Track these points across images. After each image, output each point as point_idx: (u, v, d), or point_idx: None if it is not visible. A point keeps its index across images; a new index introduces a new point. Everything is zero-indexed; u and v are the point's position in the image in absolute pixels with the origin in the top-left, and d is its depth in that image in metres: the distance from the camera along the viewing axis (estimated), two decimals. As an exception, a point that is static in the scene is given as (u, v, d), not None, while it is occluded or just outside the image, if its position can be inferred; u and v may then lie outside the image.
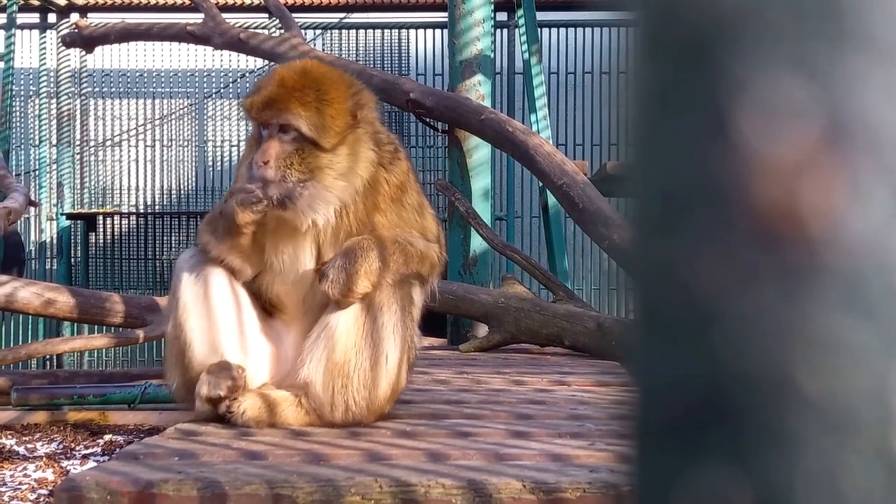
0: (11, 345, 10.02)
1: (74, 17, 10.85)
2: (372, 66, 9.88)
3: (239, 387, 3.08)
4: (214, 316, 3.14)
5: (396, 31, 11.17)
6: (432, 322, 5.58)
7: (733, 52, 0.46)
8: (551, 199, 7.94)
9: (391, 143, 3.31)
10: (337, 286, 3.00)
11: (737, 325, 0.46)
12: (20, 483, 5.82)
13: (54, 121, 11.23)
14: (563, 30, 11.05)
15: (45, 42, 11.30)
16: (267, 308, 3.27)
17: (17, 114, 11.17)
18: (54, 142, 11.21)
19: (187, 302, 3.13)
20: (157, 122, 11.41)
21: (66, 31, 8.75)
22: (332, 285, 3.00)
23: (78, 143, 11.29)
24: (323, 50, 9.82)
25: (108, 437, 7.31)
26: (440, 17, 9.87)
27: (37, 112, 11.33)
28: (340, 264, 3.01)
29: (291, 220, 3.09)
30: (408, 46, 11.18)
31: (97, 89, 11.43)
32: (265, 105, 3.07)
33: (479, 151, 7.05)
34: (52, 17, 11.34)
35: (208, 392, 3.06)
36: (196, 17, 7.51)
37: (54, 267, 11.16)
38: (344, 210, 3.13)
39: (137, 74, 11.36)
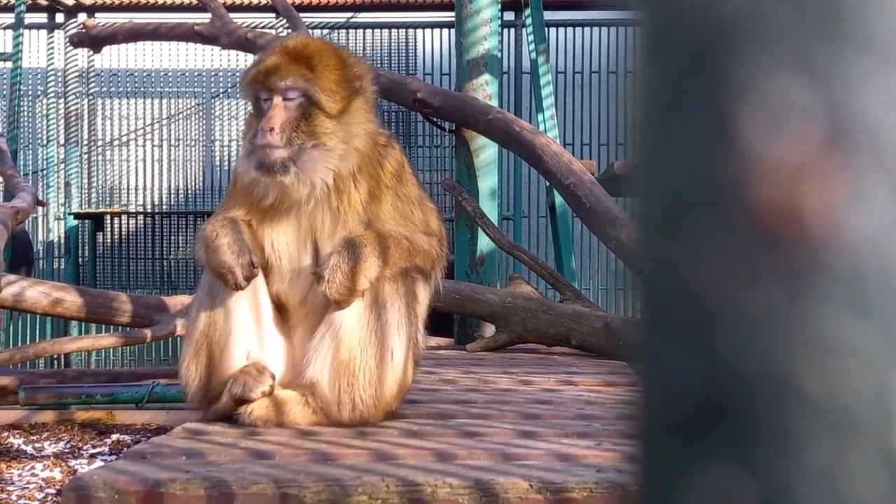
0: (19, 344, 10.04)
1: (82, 16, 10.87)
2: (379, 65, 9.88)
3: (270, 393, 3.08)
4: (251, 319, 3.13)
5: (404, 30, 11.17)
6: (439, 322, 5.58)
7: (735, 54, 0.47)
8: (558, 199, 7.94)
9: (384, 131, 3.34)
10: (334, 286, 2.98)
11: (739, 326, 0.47)
12: (28, 482, 5.83)
13: (62, 120, 11.25)
14: (570, 29, 11.05)
15: (52, 42, 11.33)
16: (276, 305, 3.26)
17: (25, 113, 11.19)
18: (62, 141, 11.24)
19: (227, 303, 3.11)
20: (164, 122, 11.43)
21: (74, 30, 8.76)
22: (328, 286, 2.98)
23: (86, 142, 11.31)
24: (330, 50, 9.80)
25: (115, 436, 7.32)
26: (447, 16, 9.87)
27: (44, 112, 11.36)
28: (335, 263, 2.99)
29: (290, 186, 3.08)
30: (415, 46, 11.18)
31: (105, 89, 11.44)
32: (271, 71, 3.10)
33: (486, 151, 7.05)
34: (59, 17, 11.37)
35: (242, 393, 3.05)
36: (203, 17, 7.52)
37: (62, 266, 11.18)
38: (341, 199, 3.13)
39: (145, 74, 11.38)
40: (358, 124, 3.16)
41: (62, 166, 11.20)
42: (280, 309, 3.25)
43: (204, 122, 11.37)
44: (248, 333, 3.12)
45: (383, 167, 3.21)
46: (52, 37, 11.34)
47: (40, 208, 10.19)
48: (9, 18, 10.57)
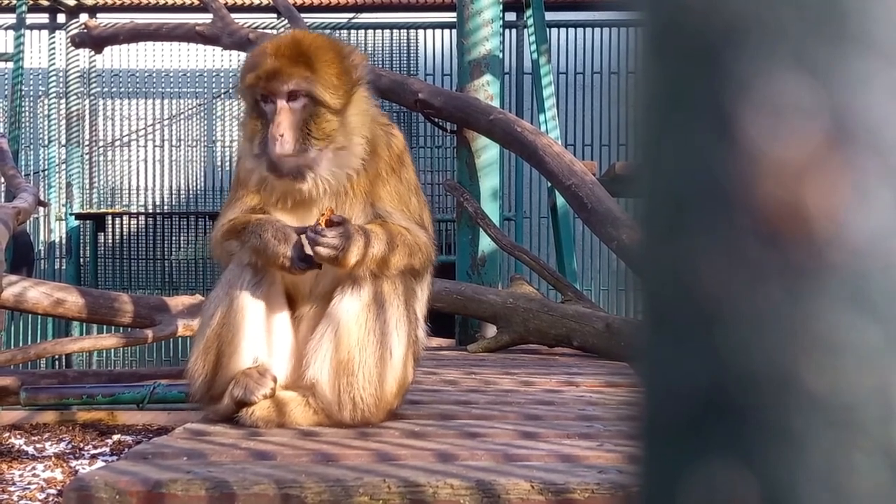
0: (21, 344, 10.04)
1: (84, 17, 10.87)
2: (381, 66, 9.88)
3: (272, 396, 3.07)
4: (263, 322, 3.12)
5: (405, 31, 11.17)
6: (441, 323, 5.58)
7: (737, 54, 0.47)
8: (560, 200, 7.94)
9: (385, 115, 3.37)
10: (327, 250, 2.95)
11: (742, 325, 0.47)
12: (29, 483, 5.84)
13: (63, 121, 11.25)
14: (571, 30, 11.05)
15: (54, 42, 11.33)
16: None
17: (27, 114, 11.19)
18: (63, 142, 11.23)
19: (243, 304, 3.09)
20: (166, 123, 11.43)
21: (76, 31, 8.76)
22: (323, 248, 2.95)
23: (87, 143, 11.31)
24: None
25: (116, 436, 7.33)
26: (449, 17, 9.87)
27: (46, 112, 11.36)
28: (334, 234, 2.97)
29: (308, 190, 3.08)
30: (416, 46, 11.17)
31: (106, 89, 11.44)
32: (271, 76, 3.05)
33: (487, 152, 7.04)
34: (61, 18, 11.37)
35: (244, 395, 3.05)
36: (205, 18, 7.52)
37: (63, 267, 11.18)
38: (349, 184, 3.13)
39: (146, 74, 11.38)
40: (362, 113, 3.17)
41: (63, 167, 11.20)
42: (289, 301, 3.24)
43: (205, 122, 11.36)
44: (259, 337, 3.12)
45: (388, 150, 3.22)
46: (53, 37, 11.34)
47: (42, 209, 10.20)
48: (10, 19, 10.57)
